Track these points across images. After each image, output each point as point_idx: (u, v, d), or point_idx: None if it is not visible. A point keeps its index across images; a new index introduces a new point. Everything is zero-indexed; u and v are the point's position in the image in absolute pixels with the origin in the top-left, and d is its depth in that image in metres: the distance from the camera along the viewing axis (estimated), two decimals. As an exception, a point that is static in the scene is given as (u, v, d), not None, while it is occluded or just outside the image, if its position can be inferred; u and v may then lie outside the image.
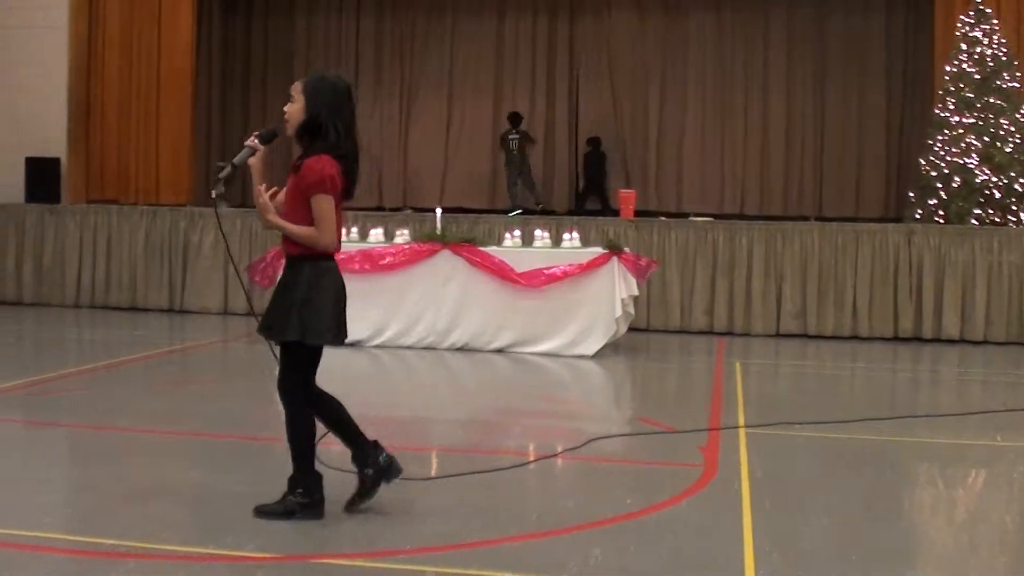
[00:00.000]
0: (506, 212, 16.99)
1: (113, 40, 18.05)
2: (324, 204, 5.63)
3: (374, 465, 5.86)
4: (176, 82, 18.11)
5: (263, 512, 5.76)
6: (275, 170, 6.09)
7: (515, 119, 19.35)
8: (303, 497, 5.78)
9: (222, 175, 5.76)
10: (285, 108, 5.74)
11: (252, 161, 5.72)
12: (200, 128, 19.37)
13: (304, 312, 5.64)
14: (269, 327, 5.76)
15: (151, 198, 17.83)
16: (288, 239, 5.72)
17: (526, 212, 17.19)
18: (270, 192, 5.71)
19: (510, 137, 19.24)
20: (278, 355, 5.86)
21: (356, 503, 5.88)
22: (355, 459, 5.92)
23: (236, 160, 5.71)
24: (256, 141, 5.76)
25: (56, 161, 17.52)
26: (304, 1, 20.92)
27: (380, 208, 18.91)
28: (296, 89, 5.73)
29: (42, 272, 16.81)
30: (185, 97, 18.19)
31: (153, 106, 18.13)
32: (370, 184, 20.39)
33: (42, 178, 17.36)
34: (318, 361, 5.87)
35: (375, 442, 5.92)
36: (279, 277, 5.90)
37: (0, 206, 17.13)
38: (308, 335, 5.66)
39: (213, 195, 5.87)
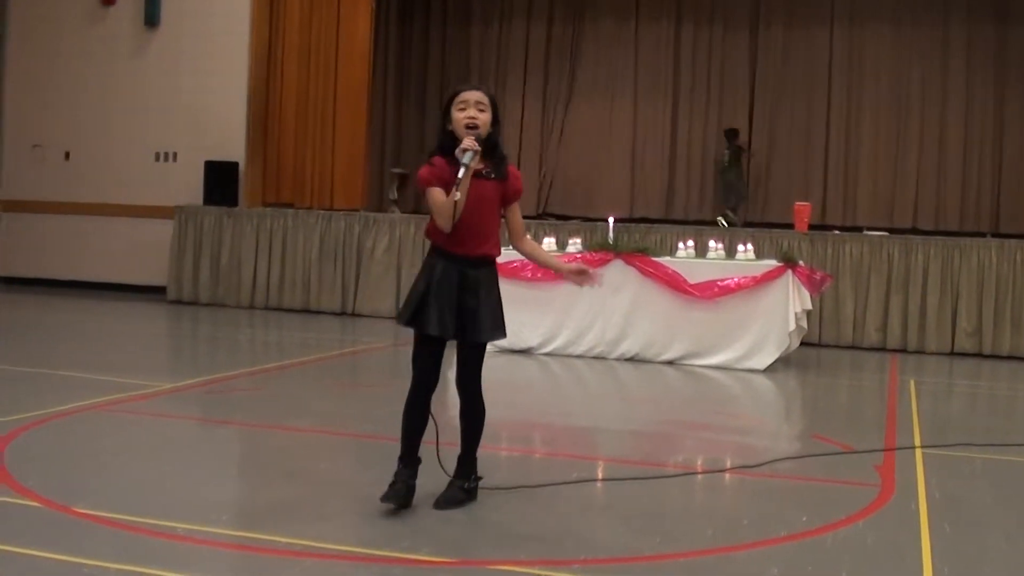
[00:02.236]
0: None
1: (292, 47, 18.37)
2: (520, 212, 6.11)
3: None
4: (352, 89, 18.35)
5: (452, 503, 6.01)
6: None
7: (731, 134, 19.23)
8: (476, 481, 6.16)
9: (460, 176, 5.70)
10: (475, 114, 5.82)
11: (473, 164, 5.78)
12: (375, 134, 19.62)
13: (502, 311, 6.03)
14: (490, 329, 5.97)
15: (326, 203, 18.11)
16: (490, 240, 5.96)
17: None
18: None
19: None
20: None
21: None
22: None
23: (471, 162, 5.72)
24: (477, 144, 5.77)
25: (235, 165, 17.91)
26: (479, 8, 21.00)
27: (542, 216, 19.02)
28: (484, 100, 5.87)
29: (219, 273, 17.23)
30: (361, 104, 18.42)
31: (330, 113, 18.40)
32: (543, 191, 20.48)
33: (221, 181, 17.78)
34: None
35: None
36: (463, 278, 5.92)
37: (180, 207, 17.59)
38: (504, 331, 6.07)
39: (456, 196, 5.87)
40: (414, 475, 6.00)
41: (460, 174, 5.70)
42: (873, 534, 5.93)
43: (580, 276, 6.15)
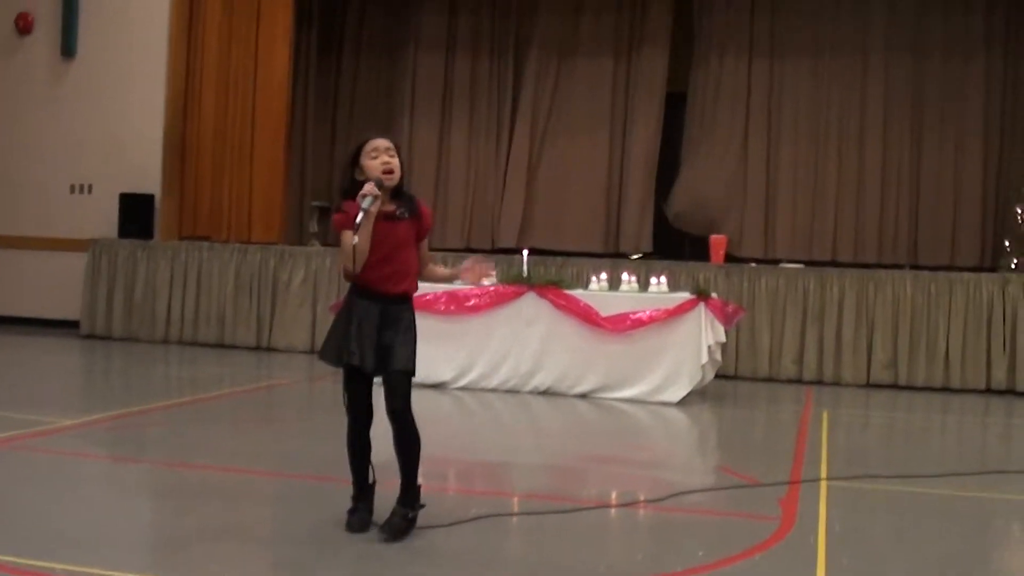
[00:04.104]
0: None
1: (210, 78, 18.22)
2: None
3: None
4: (270, 121, 18.23)
5: (395, 534, 6.05)
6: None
7: None
8: (419, 509, 6.23)
9: (359, 220, 5.87)
10: (388, 160, 6.05)
11: (373, 209, 5.94)
12: (293, 167, 19.47)
13: (414, 345, 6.13)
14: (405, 359, 6.09)
15: (243, 236, 17.95)
16: (408, 277, 6.16)
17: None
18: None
19: None
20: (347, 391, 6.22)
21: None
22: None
23: (370, 207, 5.89)
24: (377, 189, 5.94)
25: (151, 198, 17.72)
26: (398, 41, 20.79)
27: (468, 249, 18.90)
28: (392, 146, 6.10)
29: (132, 307, 17.02)
30: (279, 136, 18.29)
31: (247, 145, 18.26)
32: (461, 225, 20.29)
33: (136, 214, 17.59)
34: None
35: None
36: (383, 315, 6.10)
37: (93, 240, 17.37)
38: (415, 367, 6.15)
39: (354, 240, 5.94)
40: (368, 505, 6.29)
41: (358, 219, 5.86)
42: (769, 568, 5.91)
43: (473, 271, 6.33)
